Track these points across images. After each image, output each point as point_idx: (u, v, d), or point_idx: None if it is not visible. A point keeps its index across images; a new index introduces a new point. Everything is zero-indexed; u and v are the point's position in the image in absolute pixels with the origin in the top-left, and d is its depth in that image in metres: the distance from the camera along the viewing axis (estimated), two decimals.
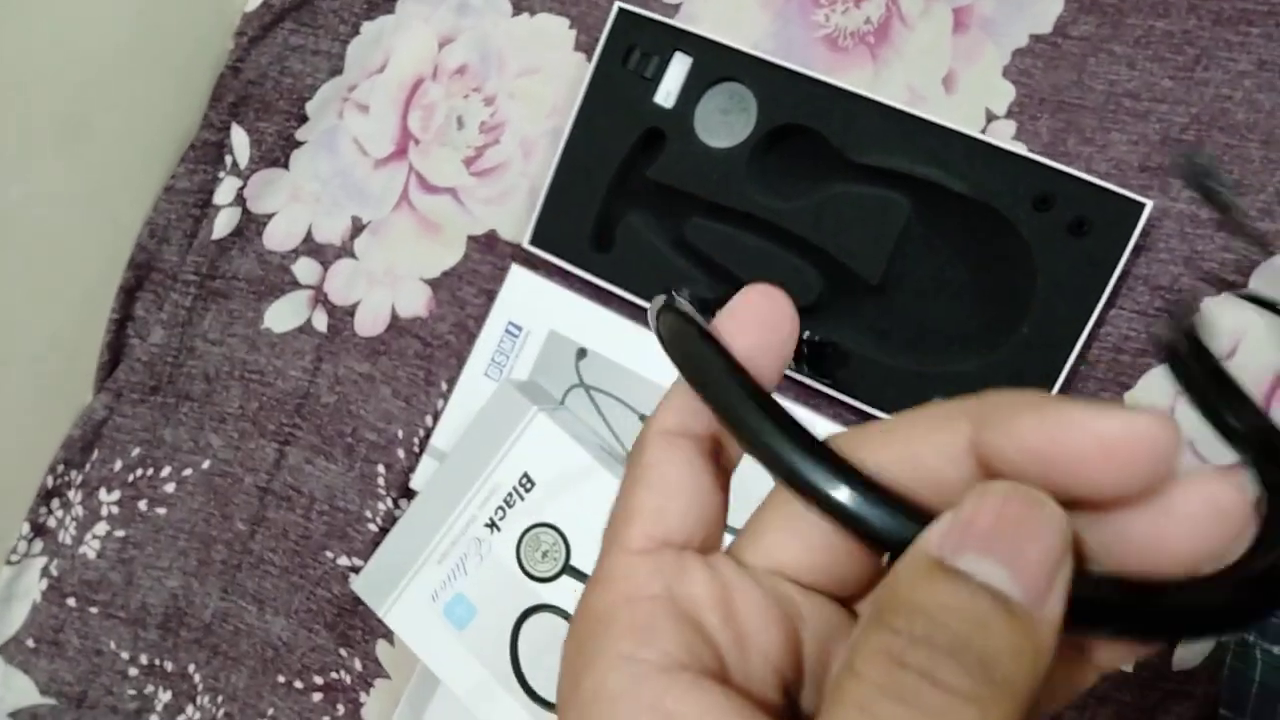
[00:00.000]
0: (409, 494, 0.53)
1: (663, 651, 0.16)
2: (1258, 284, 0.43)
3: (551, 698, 0.44)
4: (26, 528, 0.56)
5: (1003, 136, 0.46)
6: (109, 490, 0.57)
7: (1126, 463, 0.14)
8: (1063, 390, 0.44)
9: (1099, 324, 0.44)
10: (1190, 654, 0.44)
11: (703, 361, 0.17)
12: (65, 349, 0.55)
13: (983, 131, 0.46)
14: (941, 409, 0.16)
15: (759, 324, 0.18)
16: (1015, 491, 0.14)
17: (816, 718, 0.14)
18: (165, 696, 0.56)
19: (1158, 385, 0.44)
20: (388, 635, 0.53)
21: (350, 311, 0.55)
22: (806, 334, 0.47)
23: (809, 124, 0.46)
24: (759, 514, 0.19)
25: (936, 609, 0.14)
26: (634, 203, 0.50)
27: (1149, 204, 0.42)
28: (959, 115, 0.46)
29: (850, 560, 0.18)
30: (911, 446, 0.16)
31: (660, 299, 0.19)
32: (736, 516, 0.19)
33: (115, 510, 0.57)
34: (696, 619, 0.16)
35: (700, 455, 0.18)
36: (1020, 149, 0.44)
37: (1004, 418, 0.15)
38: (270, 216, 0.55)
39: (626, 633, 0.16)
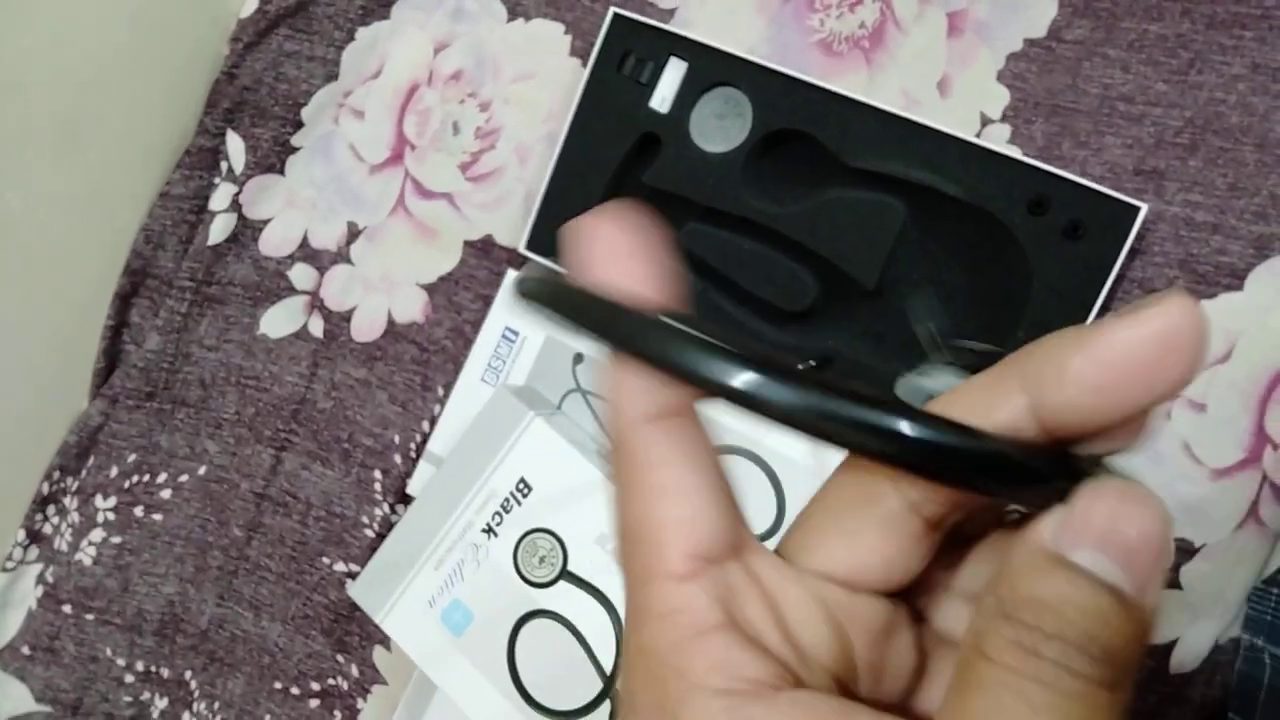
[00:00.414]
0: (406, 499, 0.53)
1: (751, 680, 0.16)
2: (1253, 288, 0.43)
3: (548, 703, 0.44)
4: (22, 534, 0.56)
5: (998, 140, 0.46)
6: (105, 497, 0.57)
7: (1180, 354, 0.15)
8: None
9: None
10: (1189, 656, 0.44)
11: (623, 318, 0.15)
12: (61, 355, 0.55)
13: (977, 135, 0.46)
14: (986, 382, 0.16)
15: (624, 256, 0.16)
16: (1128, 491, 0.15)
17: (950, 696, 0.15)
18: (161, 703, 0.56)
19: None
20: (384, 641, 0.53)
21: (346, 317, 0.55)
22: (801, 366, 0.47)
23: (804, 129, 0.46)
24: (806, 517, 0.19)
25: (1060, 603, 0.14)
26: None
27: (1144, 207, 0.42)
28: (954, 119, 0.46)
29: (901, 558, 0.18)
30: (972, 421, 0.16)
31: (517, 275, 0.18)
32: None
33: (111, 517, 0.57)
34: (760, 640, 0.16)
35: (696, 433, 0.17)
36: (1015, 153, 0.44)
37: (1054, 372, 0.15)
38: (266, 222, 0.55)
39: (712, 670, 0.16)
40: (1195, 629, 0.44)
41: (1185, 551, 0.44)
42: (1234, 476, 0.44)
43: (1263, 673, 0.40)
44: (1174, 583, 0.44)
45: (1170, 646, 0.44)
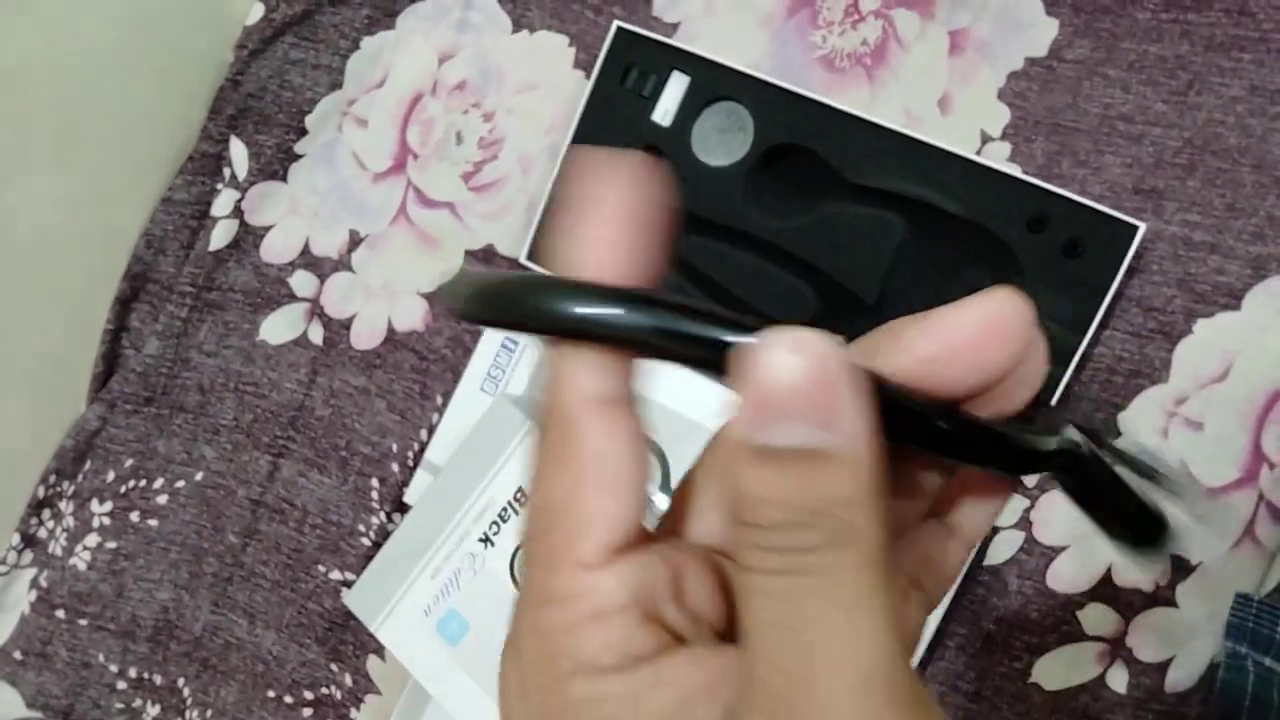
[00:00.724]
0: (403, 508, 0.53)
1: (640, 656, 0.16)
2: (1250, 308, 0.43)
3: None
4: (16, 538, 0.56)
5: (998, 158, 0.46)
6: (101, 501, 0.56)
7: (999, 338, 0.16)
8: (1057, 408, 0.45)
9: (1092, 344, 0.45)
10: (1184, 675, 0.44)
11: (549, 289, 0.15)
12: (59, 359, 0.55)
13: (978, 153, 0.46)
14: (855, 352, 0.17)
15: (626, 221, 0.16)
16: (783, 348, 0.14)
17: (739, 616, 0.16)
18: (154, 710, 0.56)
19: (1150, 406, 0.44)
20: (379, 650, 0.53)
21: (346, 324, 0.55)
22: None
23: (805, 144, 0.46)
24: (682, 494, 0.19)
25: (771, 494, 0.15)
26: None
27: (1142, 226, 0.42)
28: (954, 137, 0.46)
29: None
30: None
31: (447, 279, 0.17)
32: None
33: (107, 521, 0.56)
34: (659, 614, 0.17)
35: (634, 424, 0.17)
36: (1015, 171, 0.45)
37: (893, 341, 0.17)
38: (268, 229, 0.56)
39: (603, 649, 0.16)
40: (1191, 647, 0.44)
41: (1181, 570, 0.44)
42: (1230, 495, 0.44)
43: (1246, 681, 0.40)
44: (1170, 601, 0.44)
45: (1166, 664, 0.44)
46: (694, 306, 0.15)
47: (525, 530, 0.17)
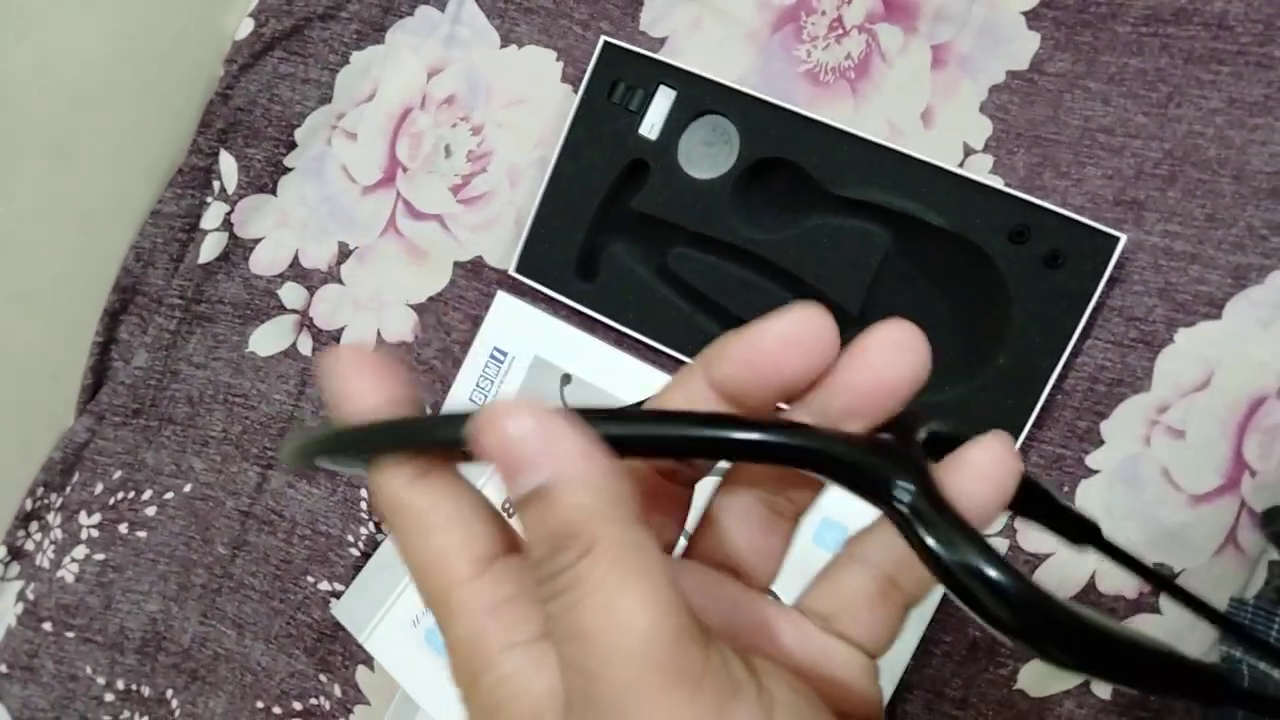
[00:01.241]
0: None
1: (526, 637, 0.19)
2: (1231, 317, 0.44)
3: None
4: (3, 551, 0.56)
5: (980, 170, 0.47)
6: (89, 513, 0.56)
7: (798, 349, 0.19)
8: (1040, 419, 0.45)
9: (1075, 354, 0.45)
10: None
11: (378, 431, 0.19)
12: (48, 371, 0.55)
13: (960, 165, 0.47)
14: (682, 370, 0.21)
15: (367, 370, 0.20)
16: (485, 426, 0.17)
17: None
18: None
19: (1132, 414, 0.45)
20: (368, 661, 0.53)
21: (336, 336, 0.55)
22: None
23: (790, 157, 0.46)
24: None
25: (531, 534, 0.17)
26: (618, 232, 0.50)
27: (1123, 238, 0.43)
28: (937, 149, 0.47)
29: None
30: (673, 404, 0.20)
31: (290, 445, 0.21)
32: None
33: (95, 534, 0.56)
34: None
35: (445, 478, 0.20)
36: (997, 183, 0.45)
37: (719, 353, 0.19)
38: (257, 241, 0.56)
39: (503, 632, 0.19)
40: None
41: (1164, 577, 0.44)
42: (1213, 502, 0.44)
43: (1241, 684, 0.40)
44: (1153, 607, 0.45)
45: None
46: (418, 420, 0.20)
47: (421, 596, 0.20)
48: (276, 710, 0.54)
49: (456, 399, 0.52)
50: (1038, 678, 0.46)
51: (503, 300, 0.52)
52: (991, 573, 0.16)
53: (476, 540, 0.19)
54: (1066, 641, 0.16)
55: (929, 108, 0.48)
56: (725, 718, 0.16)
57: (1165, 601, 0.44)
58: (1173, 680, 0.17)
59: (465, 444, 0.18)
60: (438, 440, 0.19)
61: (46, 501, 0.57)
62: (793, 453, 0.18)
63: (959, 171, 0.44)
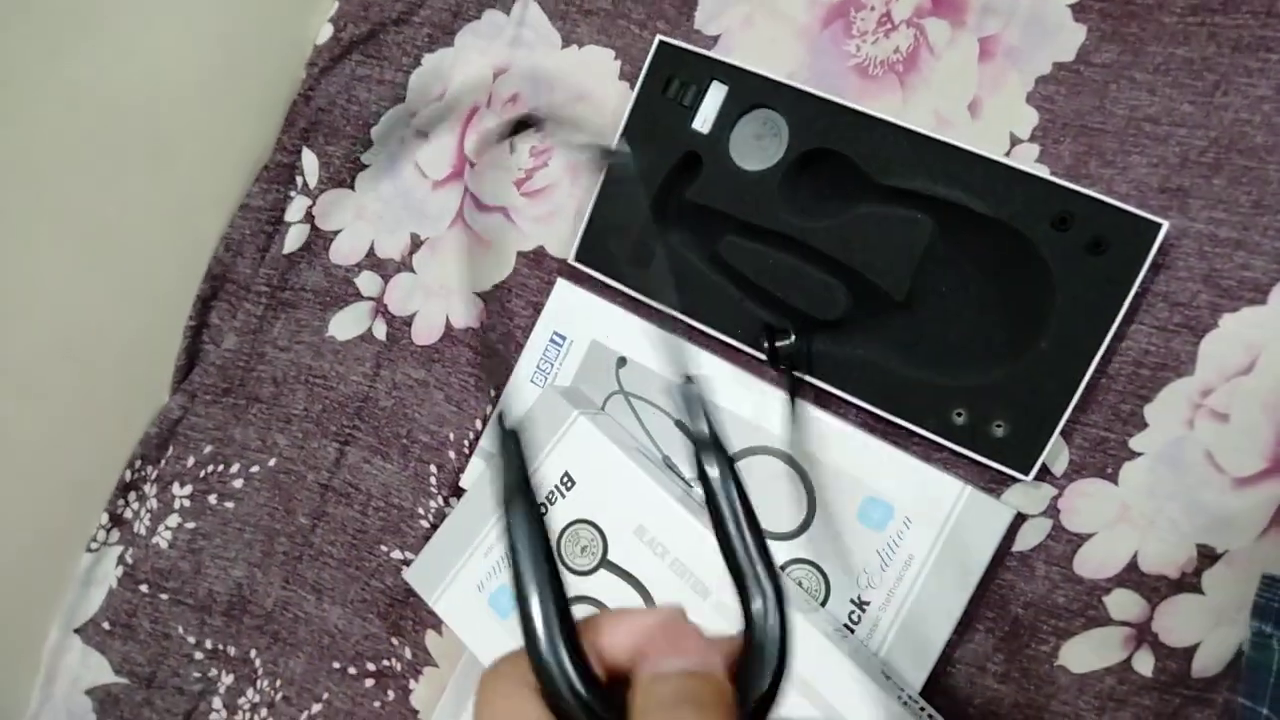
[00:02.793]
0: (459, 492, 0.56)
1: None
2: (1276, 301, 0.44)
3: None
4: (105, 518, 0.61)
5: (1026, 160, 0.48)
6: (182, 485, 0.61)
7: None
8: (1084, 402, 0.46)
9: (1119, 338, 0.46)
10: (1212, 660, 0.45)
11: None
12: (146, 352, 0.60)
13: (1007, 155, 0.48)
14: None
15: None
16: (653, 618, 0.24)
17: None
18: (228, 679, 0.60)
19: (1176, 398, 0.46)
20: (436, 626, 0.56)
21: (408, 321, 0.58)
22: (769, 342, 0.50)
23: (837, 148, 0.48)
24: None
25: (659, 698, 0.22)
26: (672, 222, 0.53)
27: (1165, 224, 0.43)
28: (984, 140, 0.48)
29: None
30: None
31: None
32: None
33: (187, 503, 0.61)
34: None
35: None
36: (1043, 172, 0.46)
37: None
38: (336, 233, 0.60)
39: None
40: (1217, 634, 0.45)
41: (1207, 557, 0.45)
42: (1257, 485, 0.45)
43: (1271, 659, 0.41)
44: (1196, 587, 0.45)
45: (1193, 650, 0.45)
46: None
47: None
48: (352, 670, 0.58)
49: (520, 380, 0.55)
50: (1079, 655, 0.47)
51: (562, 287, 0.54)
52: None
53: None
54: None
55: (976, 99, 0.49)
56: None
57: (1208, 582, 0.45)
58: None
59: None
60: None
61: (143, 473, 0.61)
62: None
63: (1003, 160, 0.46)
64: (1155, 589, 0.46)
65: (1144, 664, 0.46)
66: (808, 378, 0.50)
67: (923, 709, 0.45)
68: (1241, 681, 0.42)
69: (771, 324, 0.50)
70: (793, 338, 0.49)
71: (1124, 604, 0.46)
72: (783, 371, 0.50)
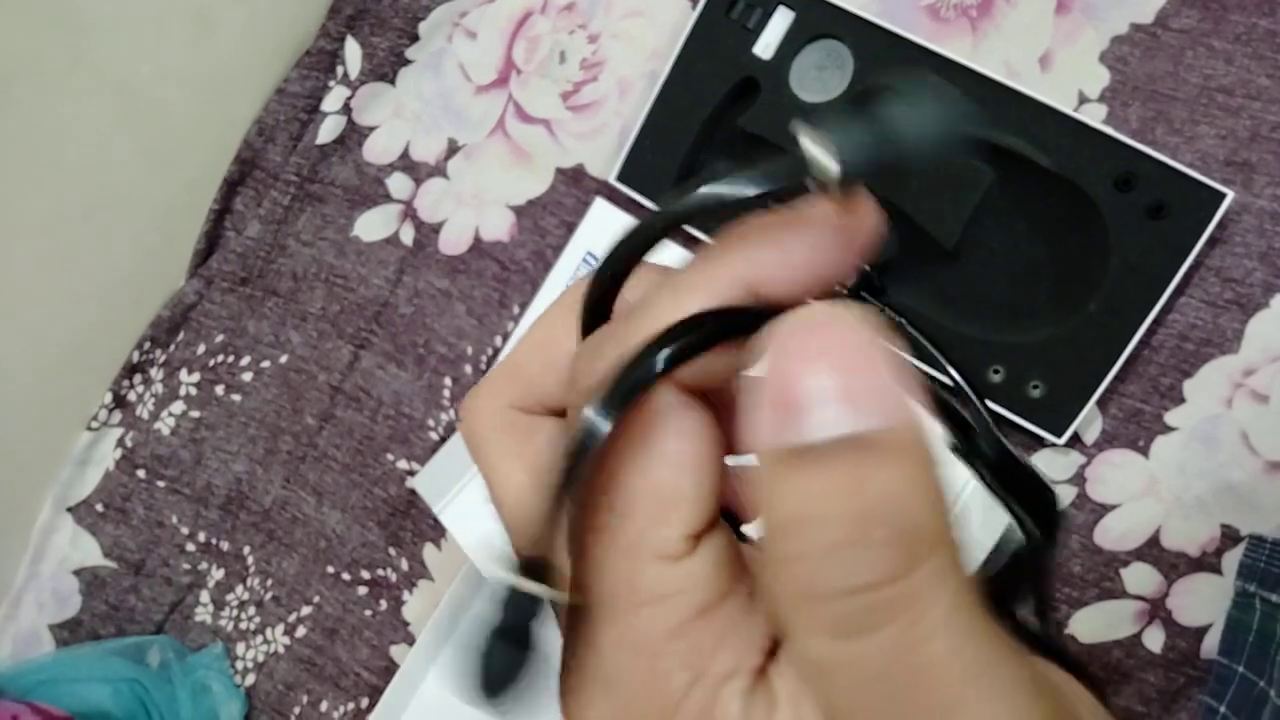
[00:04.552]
0: None
1: (759, 651, 0.14)
2: None
3: None
4: (109, 397, 0.59)
5: (1093, 119, 0.47)
6: (189, 372, 0.60)
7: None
8: (1124, 371, 0.45)
9: (1167, 309, 0.45)
10: (1219, 643, 0.44)
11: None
12: (166, 231, 0.58)
13: (1074, 112, 0.47)
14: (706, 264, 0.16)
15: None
16: (802, 325, 0.12)
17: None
18: (218, 574, 0.59)
19: (1218, 375, 0.45)
20: (435, 540, 0.55)
21: (436, 229, 0.57)
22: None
23: None
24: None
25: (818, 509, 0.12)
26: (722, 149, 0.51)
27: (1229, 195, 0.42)
28: (1052, 94, 0.47)
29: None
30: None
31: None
32: None
33: (193, 392, 0.60)
34: (743, 599, 0.15)
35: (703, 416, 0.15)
36: (1108, 131, 0.45)
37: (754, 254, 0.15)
38: (372, 129, 0.58)
39: (732, 658, 0.13)
40: None
41: (1230, 538, 0.45)
42: None
43: (1252, 617, 0.41)
44: (1215, 568, 0.45)
45: (1204, 630, 0.45)
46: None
47: (570, 521, 0.14)
48: (345, 577, 0.57)
49: (544, 300, 0.54)
50: (1090, 625, 0.46)
51: (600, 206, 0.53)
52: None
53: (703, 503, 0.14)
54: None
55: (1048, 52, 0.48)
56: None
57: (1228, 562, 0.45)
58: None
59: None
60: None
61: (151, 356, 0.60)
62: None
63: (1072, 114, 0.44)
64: (1174, 565, 0.45)
65: (1154, 640, 0.46)
66: None
67: None
68: (1221, 639, 0.42)
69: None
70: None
71: (1141, 578, 0.46)
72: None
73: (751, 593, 0.14)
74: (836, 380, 0.11)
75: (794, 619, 0.12)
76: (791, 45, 0.49)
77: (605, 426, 0.13)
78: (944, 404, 0.16)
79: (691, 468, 0.14)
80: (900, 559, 0.11)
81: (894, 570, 0.11)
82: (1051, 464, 0.47)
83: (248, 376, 0.59)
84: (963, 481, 0.40)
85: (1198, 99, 0.46)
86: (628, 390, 0.14)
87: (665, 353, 0.14)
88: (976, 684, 0.11)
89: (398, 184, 0.58)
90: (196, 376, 0.60)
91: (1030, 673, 0.12)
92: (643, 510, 0.14)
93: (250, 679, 0.58)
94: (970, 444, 0.16)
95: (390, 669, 0.55)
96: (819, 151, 0.14)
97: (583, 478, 0.13)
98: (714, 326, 0.14)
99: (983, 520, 0.43)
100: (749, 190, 0.14)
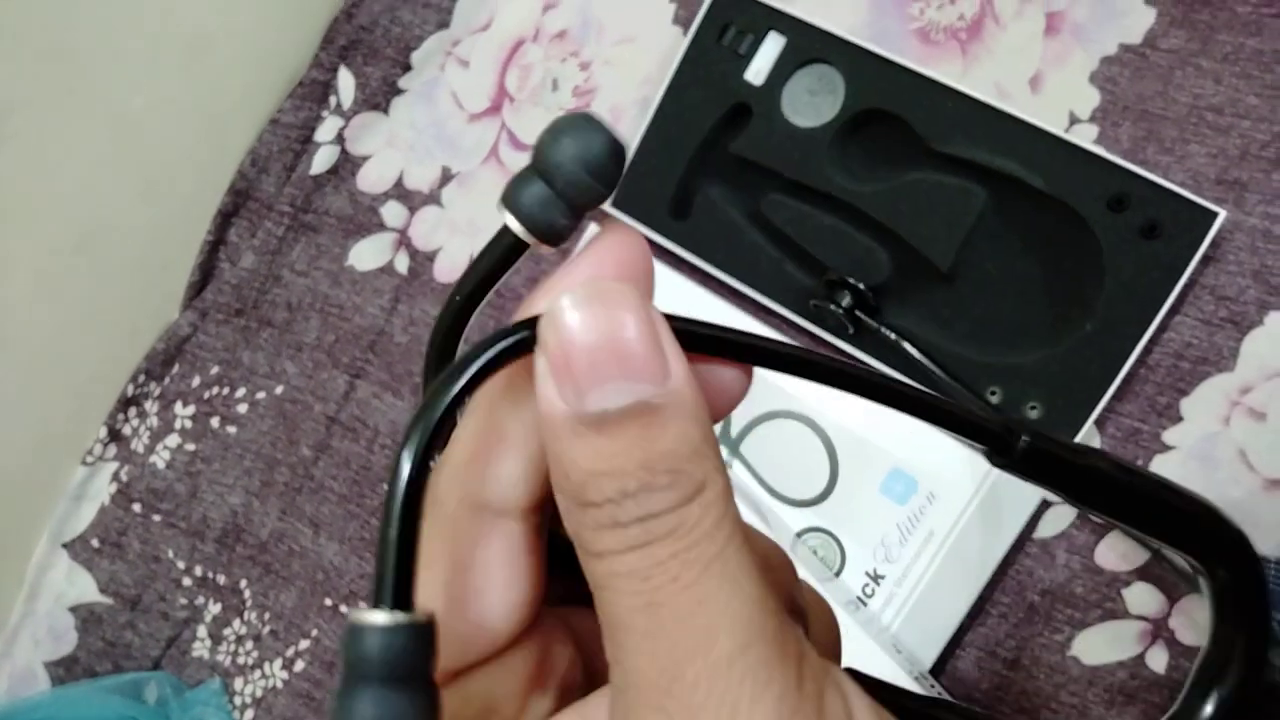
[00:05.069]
0: None
1: None
2: None
3: None
4: (103, 432, 0.59)
5: (1084, 140, 0.47)
6: (185, 404, 0.59)
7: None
8: (1121, 391, 0.45)
9: (1162, 329, 0.45)
10: None
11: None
12: (160, 263, 0.58)
13: (1065, 133, 0.47)
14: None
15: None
16: (581, 302, 0.14)
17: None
18: (215, 608, 0.59)
19: (1214, 393, 0.45)
20: None
21: (431, 257, 0.57)
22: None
23: (894, 110, 0.47)
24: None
25: (609, 465, 0.14)
26: (715, 175, 0.52)
27: (1222, 214, 0.43)
28: (1043, 116, 0.47)
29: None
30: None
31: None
32: None
33: (188, 424, 0.59)
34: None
35: (520, 538, 0.17)
36: (1100, 153, 0.45)
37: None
38: (366, 158, 0.58)
39: None
40: None
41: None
42: None
43: None
44: None
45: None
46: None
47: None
48: (344, 609, 0.56)
49: None
50: (1092, 646, 0.46)
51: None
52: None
53: (464, 648, 0.16)
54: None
55: (1038, 74, 0.48)
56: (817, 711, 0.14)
57: None
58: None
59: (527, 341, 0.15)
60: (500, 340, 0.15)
61: (146, 389, 0.60)
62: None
63: (1064, 136, 0.45)
64: (1176, 585, 0.45)
65: (1158, 660, 0.45)
66: (841, 343, 0.49)
67: (932, 686, 0.45)
68: None
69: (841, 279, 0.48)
70: (846, 300, 0.48)
71: (1143, 598, 0.46)
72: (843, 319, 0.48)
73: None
74: (619, 354, 0.14)
75: (595, 543, 0.15)
76: (783, 70, 0.49)
77: (405, 467, 0.14)
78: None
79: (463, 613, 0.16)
80: (677, 495, 0.14)
81: (674, 502, 0.14)
82: None
83: (243, 408, 0.59)
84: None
85: (1188, 118, 0.46)
86: (433, 417, 0.15)
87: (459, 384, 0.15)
88: (717, 592, 0.14)
89: (392, 213, 0.58)
90: (191, 409, 0.59)
91: (786, 648, 0.14)
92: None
93: (249, 715, 0.57)
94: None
95: None
96: (505, 216, 0.16)
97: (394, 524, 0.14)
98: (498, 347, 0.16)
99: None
100: (489, 267, 0.17)
